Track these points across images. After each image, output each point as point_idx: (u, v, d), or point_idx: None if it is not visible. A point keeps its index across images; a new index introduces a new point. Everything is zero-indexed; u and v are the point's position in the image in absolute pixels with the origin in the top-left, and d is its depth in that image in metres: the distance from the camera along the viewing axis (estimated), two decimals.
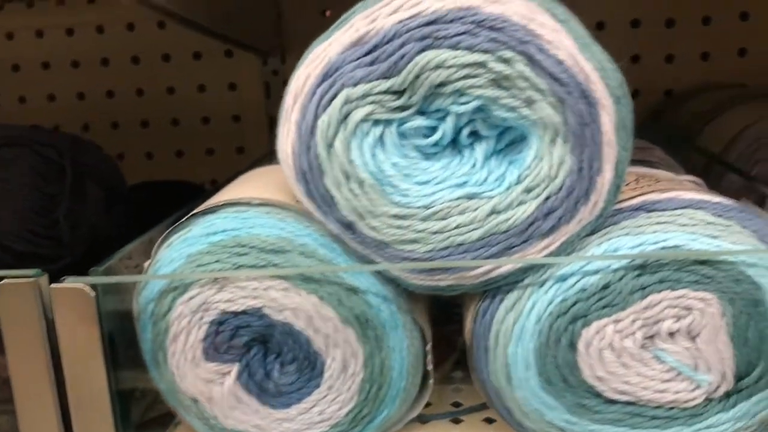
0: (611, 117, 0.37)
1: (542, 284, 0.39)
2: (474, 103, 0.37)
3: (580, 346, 0.39)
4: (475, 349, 0.41)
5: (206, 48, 0.93)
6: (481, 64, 0.36)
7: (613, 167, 0.37)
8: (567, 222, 0.38)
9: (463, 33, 0.36)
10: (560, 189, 0.37)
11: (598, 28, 0.87)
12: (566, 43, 0.36)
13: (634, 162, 0.55)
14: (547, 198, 0.37)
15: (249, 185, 0.46)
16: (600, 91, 0.36)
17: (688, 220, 0.39)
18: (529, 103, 0.36)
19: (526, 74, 0.36)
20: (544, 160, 0.37)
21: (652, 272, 0.38)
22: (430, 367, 0.43)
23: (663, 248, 0.38)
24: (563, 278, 0.39)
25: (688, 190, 0.41)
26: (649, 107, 0.89)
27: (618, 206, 0.40)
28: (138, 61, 0.95)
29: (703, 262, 0.38)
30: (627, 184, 0.44)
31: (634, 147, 0.59)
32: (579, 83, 0.36)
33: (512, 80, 0.36)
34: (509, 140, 0.39)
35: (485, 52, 0.36)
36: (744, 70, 0.87)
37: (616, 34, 0.87)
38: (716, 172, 0.64)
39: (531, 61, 0.36)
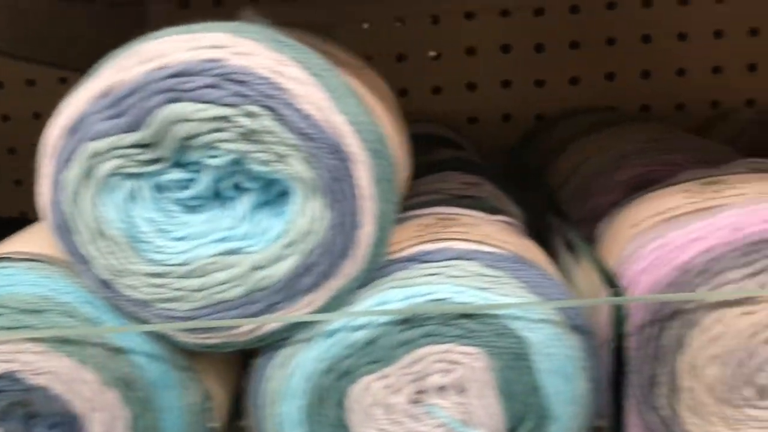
0: (367, 171, 0.36)
1: (310, 341, 0.38)
2: (226, 157, 0.36)
3: (349, 403, 0.38)
4: (251, 407, 0.40)
5: (40, 75, 0.90)
6: (226, 118, 0.35)
7: (375, 221, 0.36)
8: (330, 277, 0.37)
9: (208, 86, 0.35)
10: (320, 244, 0.36)
11: (468, 53, 0.87)
12: (317, 96, 0.35)
13: (457, 199, 0.55)
14: (308, 253, 0.36)
15: (26, 235, 0.44)
16: (353, 145, 0.35)
17: (459, 271, 0.38)
18: (281, 158, 0.35)
19: (273, 129, 0.35)
20: (304, 215, 0.36)
21: (417, 326, 0.37)
22: (212, 424, 0.42)
23: (430, 301, 0.37)
24: (330, 334, 0.37)
25: (465, 240, 0.40)
26: (521, 132, 0.89)
27: (392, 257, 0.39)
28: None
29: (467, 316, 0.37)
30: (418, 229, 0.43)
31: (462, 181, 0.59)
32: (329, 138, 0.35)
33: (260, 135, 0.35)
34: (276, 192, 0.37)
35: (230, 105, 0.35)
36: (613, 94, 0.88)
37: (488, 58, 0.87)
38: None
39: (277, 115, 0.35)
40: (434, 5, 0.87)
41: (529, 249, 0.43)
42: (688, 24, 0.86)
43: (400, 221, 0.47)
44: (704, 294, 0.36)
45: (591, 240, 0.54)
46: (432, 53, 0.88)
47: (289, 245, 0.36)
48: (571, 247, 0.51)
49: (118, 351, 0.38)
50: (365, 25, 0.87)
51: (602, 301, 0.37)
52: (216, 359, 0.43)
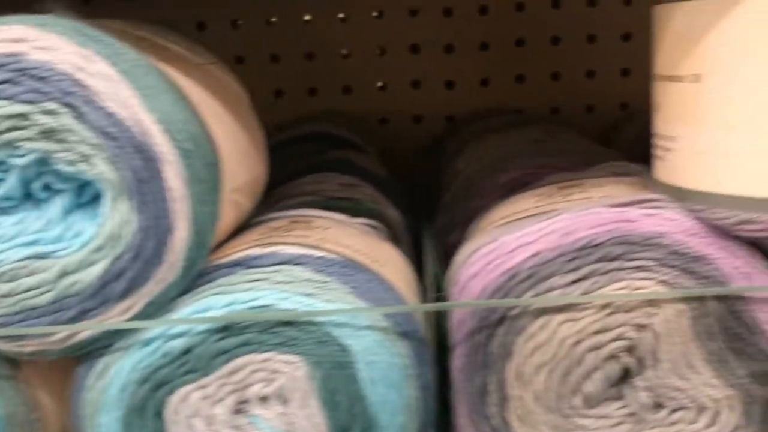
0: (178, 172, 0.34)
1: (127, 350, 0.36)
2: (31, 156, 0.34)
3: (168, 414, 0.36)
4: (74, 418, 0.38)
5: None
6: (25, 116, 0.33)
7: (189, 225, 0.35)
8: (143, 283, 0.35)
9: (6, 82, 0.33)
10: (129, 249, 0.35)
11: (379, 53, 0.86)
12: (123, 94, 0.34)
13: (331, 201, 0.54)
14: (116, 258, 0.35)
15: None
16: (161, 145, 0.34)
17: (284, 276, 0.37)
18: (85, 158, 0.34)
19: (73, 128, 0.33)
20: (113, 218, 0.34)
21: (236, 334, 0.36)
22: None
23: (252, 308, 0.36)
24: (147, 343, 0.36)
25: (298, 245, 0.39)
26: (431, 133, 0.88)
27: (218, 262, 0.38)
28: None
29: (288, 323, 0.36)
30: (263, 233, 0.42)
31: (338, 183, 0.58)
32: (133, 137, 0.33)
33: (62, 134, 0.33)
34: (91, 194, 0.36)
35: (28, 102, 0.33)
36: (523, 96, 0.88)
37: (397, 58, 0.86)
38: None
39: (78, 113, 0.33)
40: (344, 4, 0.86)
41: (374, 253, 0.42)
42: (597, 26, 0.86)
43: (253, 225, 0.46)
44: (527, 300, 0.35)
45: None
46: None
47: (98, 250, 0.35)
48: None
49: None
50: (273, 19, 0.86)
51: (418, 307, 0.36)
52: (47, 367, 0.42)
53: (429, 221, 0.61)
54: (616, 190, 0.42)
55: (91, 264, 0.35)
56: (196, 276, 0.37)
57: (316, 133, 0.73)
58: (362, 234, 0.45)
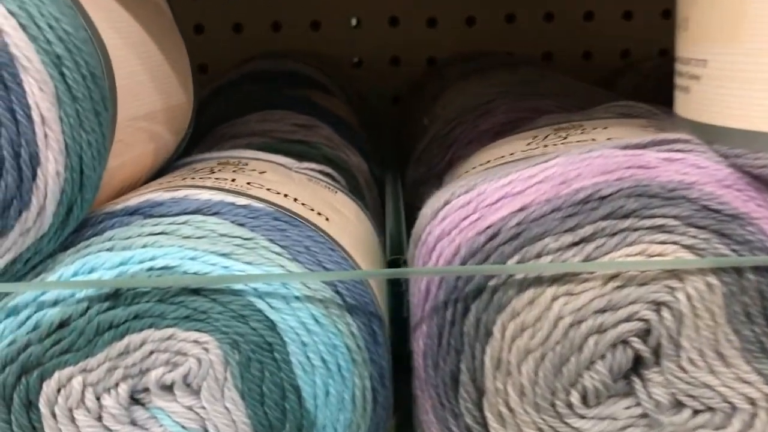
0: (43, 85, 0.25)
1: None
2: None
3: (42, 405, 0.28)
4: None
5: None
6: None
7: (63, 156, 0.26)
8: (3, 233, 0.26)
9: None
10: None
11: None
12: None
13: (283, 143, 0.45)
14: None
15: None
16: (18, 45, 0.25)
17: (194, 230, 0.28)
18: None
19: None
20: None
21: (128, 304, 0.27)
22: None
23: (150, 270, 0.27)
24: (12, 312, 0.27)
25: (218, 189, 0.30)
26: (410, 77, 0.79)
27: (112, 208, 0.29)
28: None
29: (197, 291, 0.27)
30: (184, 178, 0.33)
31: (292, 123, 0.49)
32: None
33: None
34: None
35: None
36: (512, 38, 0.78)
37: None
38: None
39: None
40: None
41: (321, 206, 0.33)
42: None
43: (174, 168, 0.37)
44: (511, 267, 0.27)
45: None
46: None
47: None
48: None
49: None
50: None
51: (369, 274, 0.28)
52: None
53: (399, 174, 0.52)
54: (626, 132, 0.33)
55: None
56: (80, 227, 0.28)
57: (275, 71, 0.64)
58: (308, 182, 0.36)
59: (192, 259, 0.27)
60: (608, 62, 0.78)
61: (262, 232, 0.28)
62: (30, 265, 0.28)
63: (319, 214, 0.32)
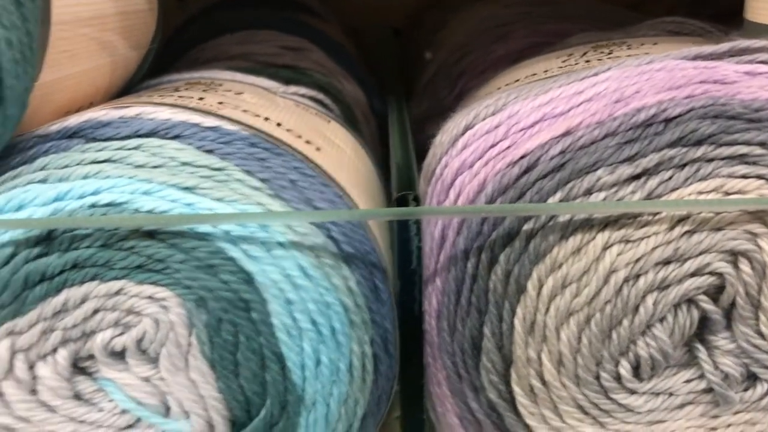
0: None
1: None
2: None
3: None
4: None
5: None
6: None
7: None
8: None
9: None
10: None
11: None
12: None
13: (269, 68, 0.39)
14: None
15: None
16: None
17: (149, 157, 0.22)
18: None
19: None
20: None
21: (63, 250, 0.21)
22: None
23: (92, 207, 0.21)
24: None
25: (180, 107, 0.24)
26: (412, 7, 0.72)
27: (45, 130, 0.23)
28: None
29: (150, 235, 0.21)
30: (134, 98, 0.27)
31: (279, 44, 0.43)
32: None
33: None
34: None
35: None
36: None
37: None
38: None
39: None
40: None
41: (310, 134, 0.27)
42: None
43: (138, 90, 0.31)
44: (554, 207, 0.21)
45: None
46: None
47: None
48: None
49: None
50: None
51: (371, 214, 0.22)
52: None
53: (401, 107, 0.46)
54: (683, 47, 0.27)
55: None
56: (6, 153, 0.23)
57: None
58: (296, 107, 0.30)
59: (146, 193, 0.21)
60: None
61: (235, 161, 0.23)
62: None
63: (308, 142, 0.26)
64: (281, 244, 0.22)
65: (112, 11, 0.27)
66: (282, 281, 0.22)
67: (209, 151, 0.23)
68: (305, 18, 0.50)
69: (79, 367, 0.23)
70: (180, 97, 0.25)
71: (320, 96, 0.34)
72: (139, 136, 0.22)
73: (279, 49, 0.42)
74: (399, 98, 0.35)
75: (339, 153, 0.28)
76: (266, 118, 0.26)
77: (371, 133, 0.43)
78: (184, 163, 0.22)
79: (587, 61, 0.27)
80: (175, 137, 0.23)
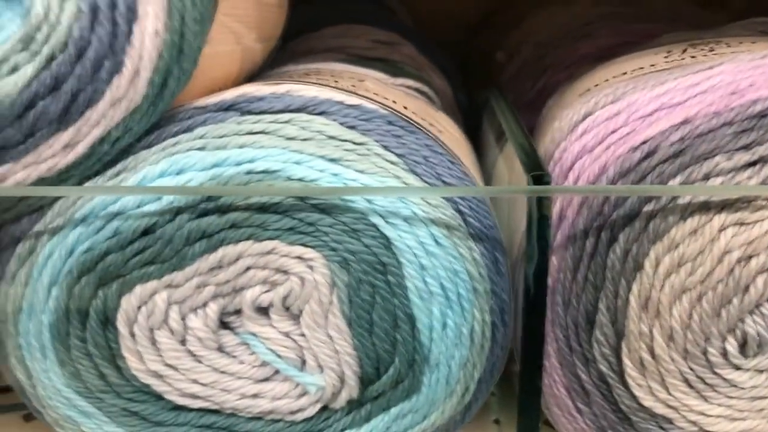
0: None
1: (63, 226, 0.24)
2: None
3: (120, 322, 0.24)
4: None
5: None
6: None
7: (163, 13, 0.22)
8: (92, 103, 0.23)
9: None
10: (67, 43, 0.22)
11: None
12: None
13: (363, 60, 0.41)
14: (51, 59, 0.22)
15: None
16: None
17: (298, 131, 0.24)
18: None
19: None
20: None
21: (222, 212, 0.23)
22: None
23: (248, 173, 0.24)
24: (93, 215, 0.24)
25: (321, 86, 0.26)
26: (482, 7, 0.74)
27: (202, 102, 0.25)
28: None
29: (302, 200, 0.23)
30: (272, 82, 0.29)
31: (371, 38, 0.45)
32: None
33: None
34: None
35: None
36: None
37: None
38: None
39: None
40: None
41: (430, 118, 0.29)
42: None
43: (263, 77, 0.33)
44: (675, 189, 0.23)
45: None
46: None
47: (21, 46, 0.22)
48: (500, 132, 0.37)
49: None
50: None
51: (510, 190, 0.24)
52: None
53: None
54: None
55: (15, 68, 0.22)
56: (166, 121, 0.25)
57: None
58: (407, 96, 0.32)
59: (297, 163, 0.24)
60: None
61: (375, 136, 0.25)
62: (118, 147, 0.24)
63: (431, 125, 0.28)
64: (416, 214, 0.24)
65: (248, 3, 0.29)
66: (417, 247, 0.24)
67: (352, 127, 0.25)
68: (386, 13, 0.52)
69: (225, 321, 0.25)
70: (319, 79, 0.27)
71: (424, 87, 0.36)
72: (290, 111, 0.25)
73: (372, 42, 0.44)
74: (496, 87, 0.37)
75: (453, 140, 0.30)
76: (393, 101, 0.28)
77: (461, 125, 0.45)
78: (330, 137, 0.24)
79: (692, 57, 0.28)
80: (322, 113, 0.25)
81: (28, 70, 0.22)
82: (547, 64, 0.46)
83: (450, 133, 0.31)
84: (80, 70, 0.22)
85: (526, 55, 0.48)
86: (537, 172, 0.23)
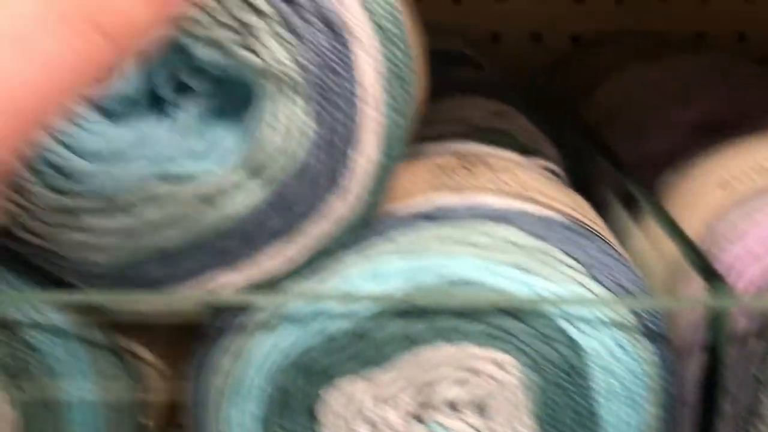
0: (375, 62, 0.24)
1: (274, 324, 0.26)
2: (165, 41, 0.23)
3: (322, 413, 0.26)
4: (190, 405, 0.29)
5: None
6: None
7: (379, 139, 0.24)
8: (310, 218, 0.25)
9: None
10: (297, 169, 0.24)
11: None
12: None
13: (480, 132, 0.43)
14: (280, 182, 0.24)
15: None
16: (357, 20, 0.23)
17: (488, 239, 0.26)
18: (245, 36, 0.23)
19: None
20: (274, 126, 0.24)
21: (424, 317, 0.26)
22: (146, 422, 0.30)
23: (444, 279, 0.26)
24: (303, 318, 0.26)
25: (498, 192, 0.28)
26: (552, 55, 0.76)
27: (394, 209, 0.27)
28: None
29: (499, 308, 0.25)
30: (432, 172, 0.31)
31: (487, 110, 0.47)
32: (324, 6, 0.23)
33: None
34: (233, 94, 0.25)
35: None
36: (663, 17, 0.75)
37: None
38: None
39: None
40: None
41: (581, 209, 0.31)
42: None
43: (408, 158, 0.35)
44: None
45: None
46: None
47: (252, 169, 0.24)
48: (629, 204, 0.39)
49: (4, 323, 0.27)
50: None
51: (694, 302, 0.26)
52: (156, 331, 0.32)
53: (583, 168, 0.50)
54: None
55: (242, 188, 0.24)
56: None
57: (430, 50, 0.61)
58: (550, 179, 0.34)
59: (490, 271, 0.26)
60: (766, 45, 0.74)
61: (556, 243, 0.27)
62: (326, 254, 0.26)
63: (593, 221, 0.30)
64: (602, 321, 0.26)
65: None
66: (603, 352, 0.26)
67: (535, 235, 0.27)
68: (489, 77, 0.54)
69: (417, 414, 0.27)
70: (489, 180, 0.29)
71: (553, 165, 0.38)
72: (480, 221, 0.27)
73: (488, 113, 0.46)
74: (626, 167, 0.38)
75: (600, 221, 0.32)
76: (551, 197, 0.30)
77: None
78: (517, 246, 0.26)
79: None
80: (507, 222, 0.27)
81: (257, 192, 0.24)
82: (646, 132, 0.48)
83: (592, 216, 0.33)
84: (307, 193, 0.24)
85: (624, 119, 0.50)
86: (715, 282, 0.25)
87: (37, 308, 0.27)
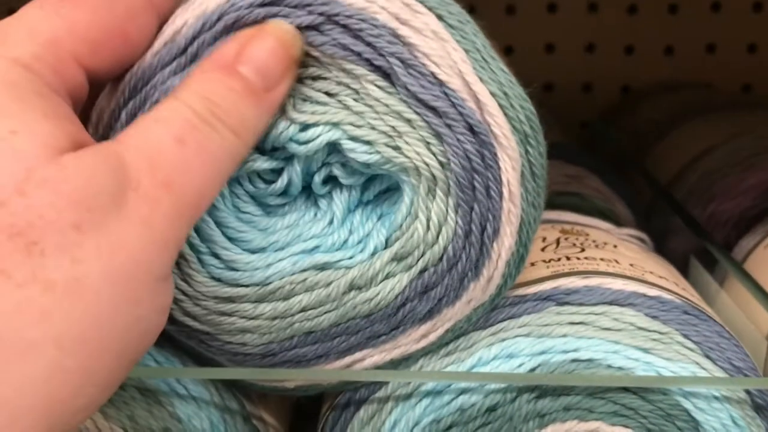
0: (515, 162, 0.26)
1: (409, 396, 0.28)
2: (322, 138, 0.26)
3: None
4: None
5: None
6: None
7: (516, 231, 0.26)
8: (451, 303, 0.27)
9: (307, 27, 0.24)
10: (441, 258, 0.26)
11: (549, 10, 0.75)
12: (454, 57, 0.25)
13: (558, 196, 0.45)
14: (424, 270, 0.27)
15: None
16: (499, 125, 0.25)
17: (612, 322, 0.28)
18: (393, 137, 0.25)
19: (382, 97, 0.25)
20: (420, 219, 0.26)
21: (555, 395, 0.27)
22: None
23: (573, 361, 0.28)
24: (438, 391, 0.28)
25: (619, 276, 0.30)
26: (603, 105, 0.78)
27: (521, 291, 0.29)
28: None
29: (624, 387, 0.27)
30: (543, 249, 0.33)
31: (563, 173, 0.49)
32: (466, 113, 0.25)
33: (366, 104, 0.25)
34: (381, 188, 0.28)
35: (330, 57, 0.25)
36: (712, 68, 0.77)
37: (571, 17, 0.76)
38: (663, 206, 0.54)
39: (393, 78, 0.25)
40: None
41: (683, 283, 0.33)
42: None
43: None
44: None
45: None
46: None
47: (398, 259, 0.27)
48: (707, 264, 0.41)
49: (152, 395, 0.29)
50: None
51: None
52: (272, 400, 0.34)
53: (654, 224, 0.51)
54: None
55: (390, 276, 0.27)
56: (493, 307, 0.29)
57: None
58: (649, 254, 0.36)
59: (615, 352, 0.28)
60: None
61: (675, 326, 0.28)
62: (458, 333, 0.28)
63: (694, 296, 0.32)
64: (718, 398, 0.28)
65: None
66: (720, 429, 0.27)
67: (654, 318, 0.28)
68: (563, 140, 0.56)
69: None
70: (609, 262, 0.31)
71: (641, 234, 0.40)
72: (603, 303, 0.29)
73: (564, 177, 0.48)
74: (708, 234, 0.40)
75: (697, 295, 0.34)
76: (666, 279, 0.32)
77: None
78: (639, 328, 0.28)
79: None
80: (629, 305, 0.29)
81: (403, 280, 0.27)
82: (715, 194, 0.50)
83: (686, 285, 0.35)
84: (448, 281, 0.26)
85: (693, 181, 0.52)
86: None
87: (181, 381, 0.29)
